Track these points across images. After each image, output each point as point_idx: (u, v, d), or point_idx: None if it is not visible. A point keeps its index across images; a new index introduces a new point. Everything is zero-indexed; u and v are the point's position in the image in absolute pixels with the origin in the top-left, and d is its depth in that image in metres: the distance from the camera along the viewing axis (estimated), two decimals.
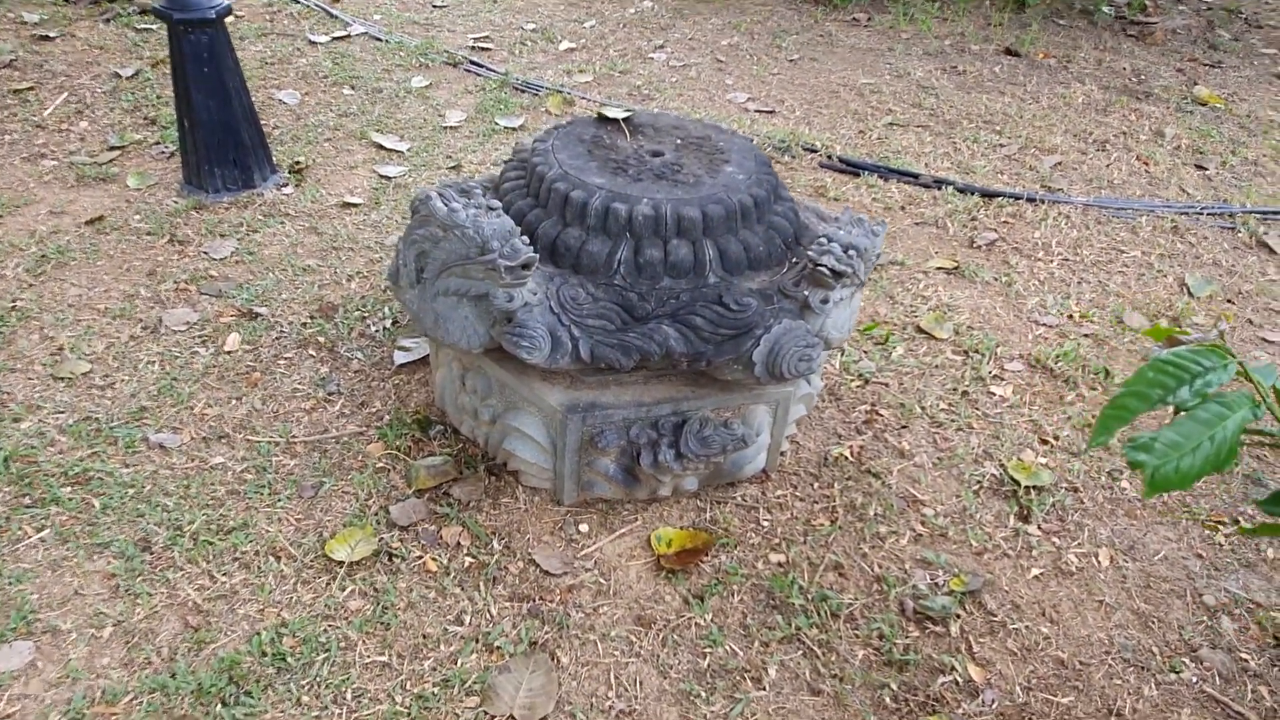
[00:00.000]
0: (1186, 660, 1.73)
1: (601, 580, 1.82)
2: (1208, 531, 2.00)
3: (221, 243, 2.74)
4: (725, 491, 2.02)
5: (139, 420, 2.10)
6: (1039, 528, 1.97)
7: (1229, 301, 2.77)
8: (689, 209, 1.84)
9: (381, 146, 3.37)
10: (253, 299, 2.51)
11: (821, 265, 1.77)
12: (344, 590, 1.76)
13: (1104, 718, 1.62)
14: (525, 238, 1.73)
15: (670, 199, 1.85)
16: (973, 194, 3.22)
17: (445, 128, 3.54)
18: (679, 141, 2.11)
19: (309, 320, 2.45)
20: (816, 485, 2.05)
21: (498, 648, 1.67)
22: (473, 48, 4.30)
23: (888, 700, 1.63)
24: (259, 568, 1.79)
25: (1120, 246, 3.00)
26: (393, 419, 2.15)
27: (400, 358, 2.33)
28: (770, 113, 3.82)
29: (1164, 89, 4.21)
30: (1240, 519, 2.03)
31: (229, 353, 2.32)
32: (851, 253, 1.79)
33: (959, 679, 1.66)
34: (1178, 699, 1.66)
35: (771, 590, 1.81)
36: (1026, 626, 1.77)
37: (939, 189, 3.26)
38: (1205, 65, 4.53)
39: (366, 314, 2.49)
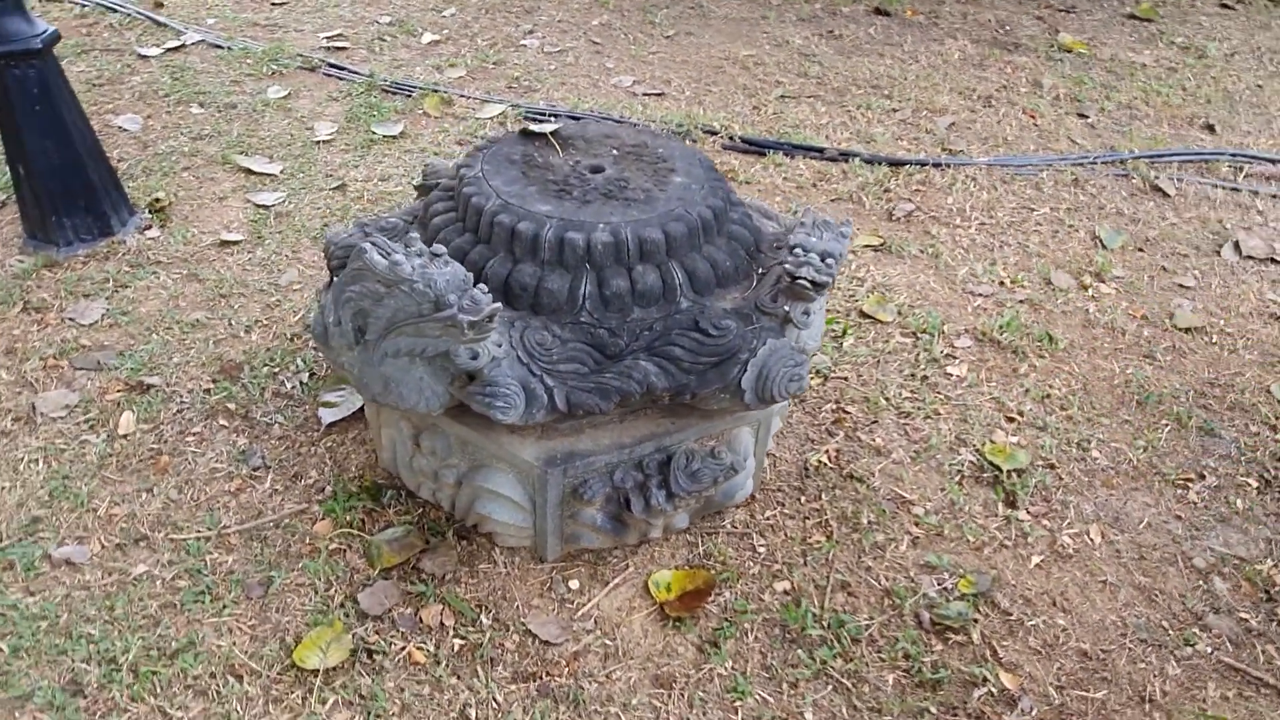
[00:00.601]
0: (1196, 630, 1.74)
1: (607, 641, 1.68)
2: (1180, 490, 2.03)
3: (87, 305, 2.40)
4: (714, 521, 1.91)
5: (34, 534, 1.80)
6: (1027, 512, 1.96)
7: (1139, 250, 2.85)
8: (650, 230, 1.69)
9: (250, 170, 3.04)
10: (139, 368, 2.21)
11: (801, 278, 1.67)
12: (325, 703, 1.55)
13: (1138, 705, 1.61)
14: (483, 285, 1.55)
15: (627, 221, 1.70)
16: (880, 164, 3.19)
17: (317, 142, 3.23)
18: (615, 152, 1.95)
19: (212, 385, 2.17)
20: (803, 499, 1.97)
21: None
22: (327, 48, 3.96)
23: None
24: (219, 692, 1.56)
25: (1030, 205, 3.03)
26: (336, 489, 1.92)
27: (327, 416, 2.10)
28: (659, 95, 3.68)
29: (1030, 39, 4.31)
30: (1205, 473, 2.07)
31: (125, 436, 2.03)
32: (829, 261, 1.69)
33: (993, 689, 1.62)
34: (1199, 674, 1.67)
35: (785, 623, 1.72)
36: (1043, 621, 1.74)
37: (846, 161, 3.22)
38: (1061, 11, 4.67)
39: (277, 368, 2.23)
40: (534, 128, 1.96)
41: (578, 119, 3.46)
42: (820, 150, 3.29)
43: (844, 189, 3.06)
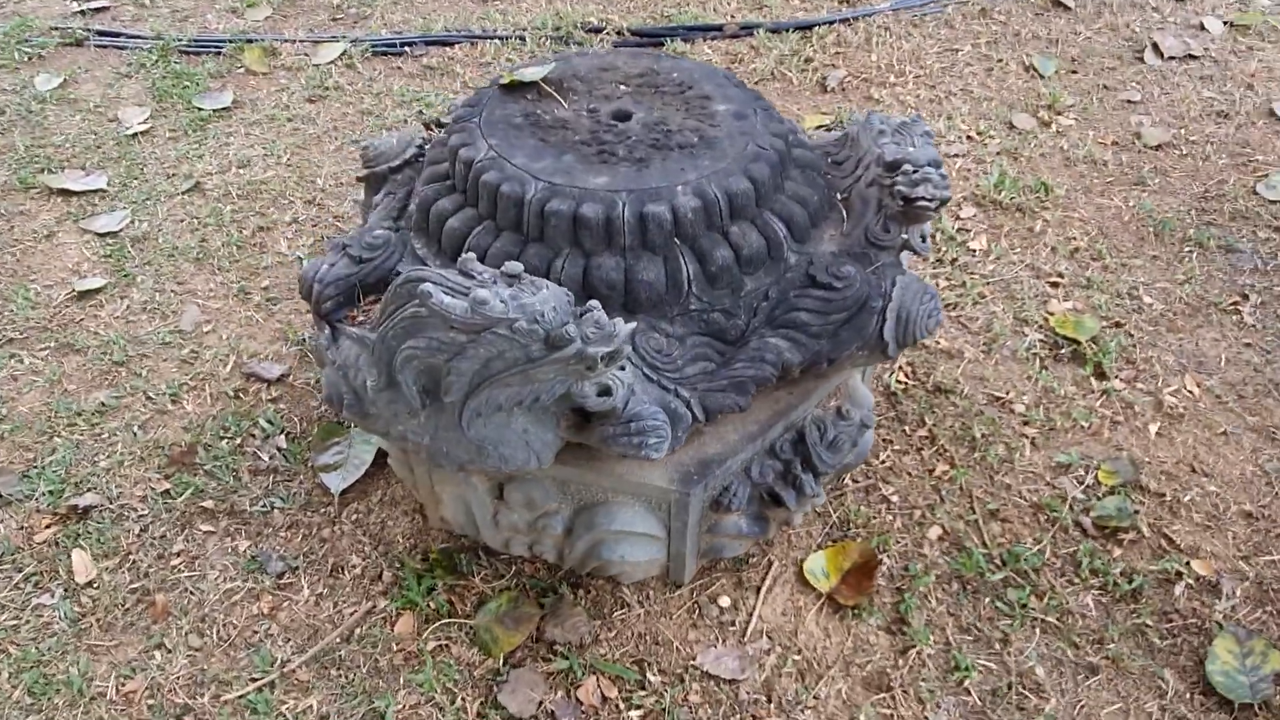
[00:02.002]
0: None
1: (794, 657, 1.47)
2: (1234, 316, 2.01)
3: None
4: (834, 483, 1.71)
5: None
6: (1120, 379, 1.88)
7: (1073, 73, 2.78)
8: (736, 181, 1.39)
9: (68, 191, 2.40)
10: (60, 489, 1.70)
11: (921, 198, 1.43)
12: None
13: None
14: (595, 301, 1.21)
15: (701, 176, 1.39)
16: (788, 31, 2.94)
17: (132, 135, 2.60)
18: (625, 88, 1.60)
19: (167, 484, 1.71)
20: (906, 429, 1.80)
21: None
22: (82, 12, 3.19)
23: (1158, 641, 1.48)
24: None
25: (951, 46, 2.89)
26: (396, 573, 1.57)
27: (335, 483, 1.70)
28: None
29: None
30: (1247, 292, 2.06)
31: (89, 584, 1.56)
32: (941, 170, 1.46)
33: (1190, 581, 1.55)
34: None
35: (960, 574, 1.57)
36: (1196, 493, 1.68)
37: (751, 35, 2.94)
38: None
39: (239, 440, 1.79)
40: (525, 75, 1.57)
41: (441, 42, 2.98)
42: (719, 28, 2.98)
43: (763, 67, 2.80)
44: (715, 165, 1.41)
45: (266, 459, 1.76)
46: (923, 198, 1.43)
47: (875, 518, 1.65)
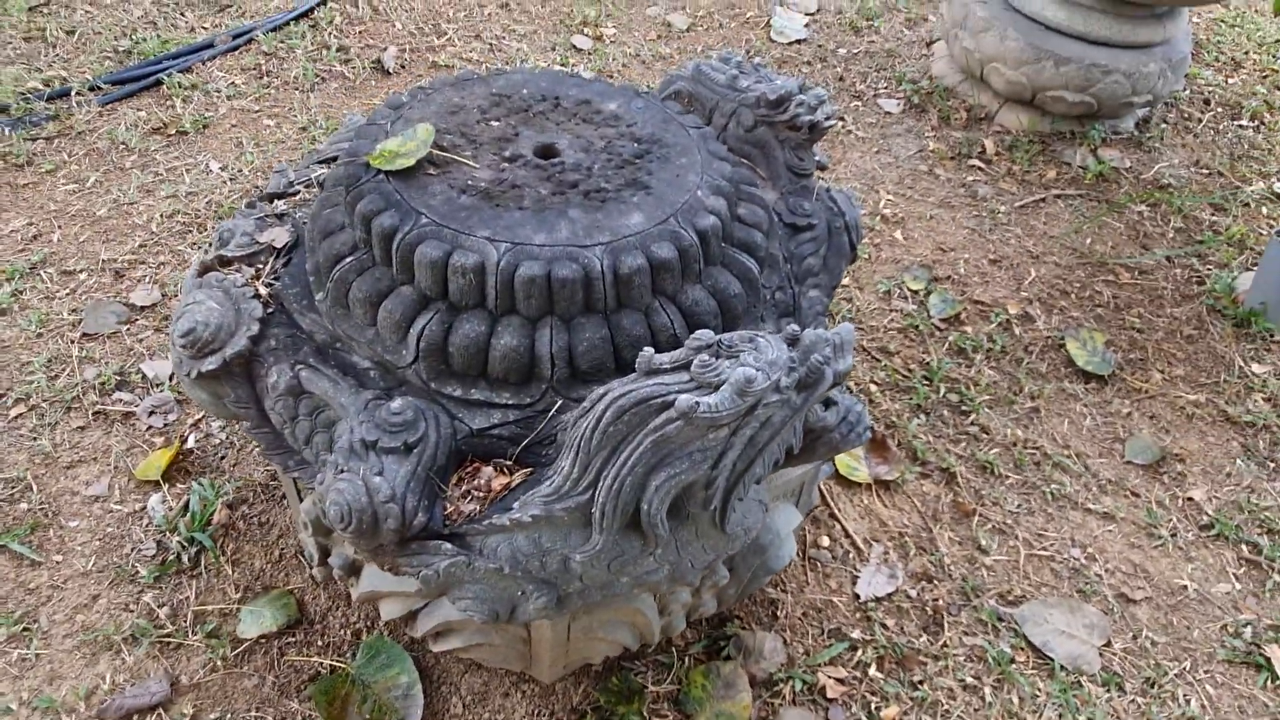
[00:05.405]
0: None
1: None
2: None
3: None
4: None
5: None
6: None
7: None
8: (722, 185, 1.31)
9: None
10: None
11: (825, 119, 1.49)
12: None
13: None
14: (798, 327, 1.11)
15: (700, 185, 1.28)
16: (291, 23, 2.56)
17: None
18: (513, 123, 1.33)
19: None
20: None
21: None
22: None
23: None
24: None
25: None
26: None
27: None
28: None
29: None
30: None
31: None
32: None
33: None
34: None
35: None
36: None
37: (251, 40, 2.50)
38: None
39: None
40: (398, 162, 1.20)
41: None
42: (210, 44, 2.47)
43: (302, 71, 2.44)
44: (684, 179, 1.29)
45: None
46: (827, 118, 1.53)
47: None
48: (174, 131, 2.21)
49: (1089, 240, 2.19)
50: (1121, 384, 1.87)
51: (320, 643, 1.37)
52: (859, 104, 2.59)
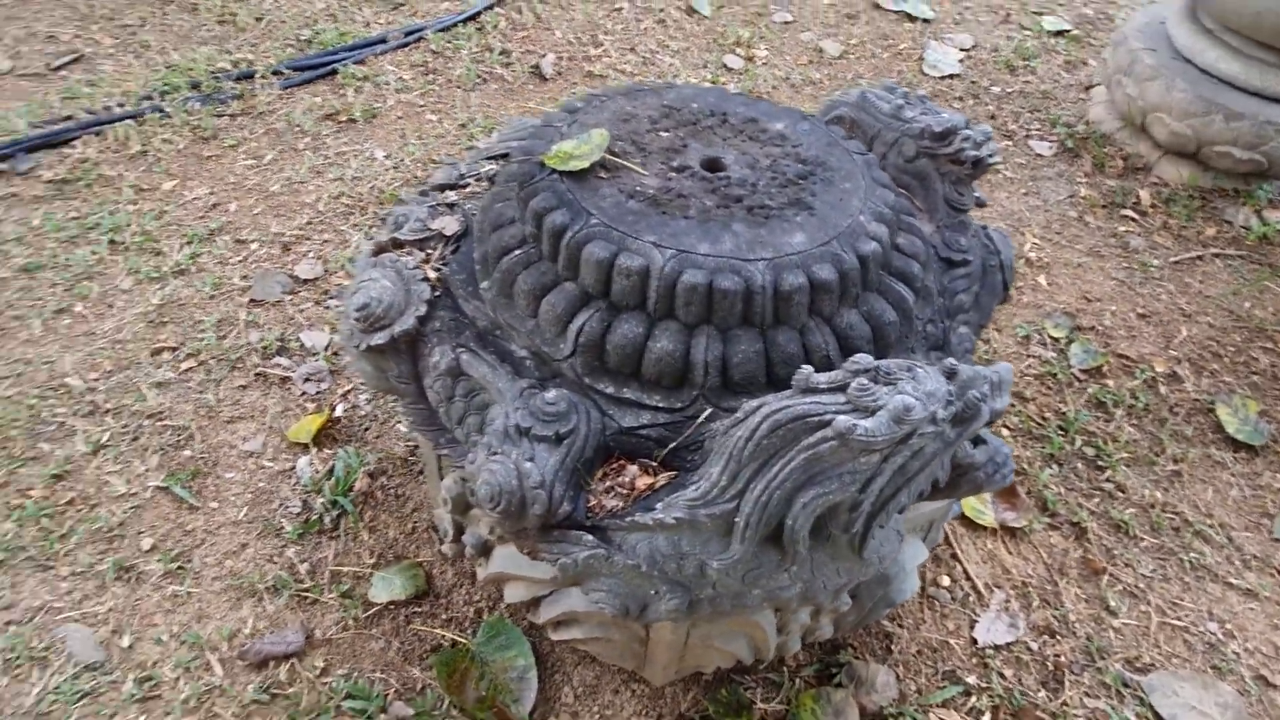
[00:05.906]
0: None
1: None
2: None
3: None
4: None
5: None
6: None
7: (724, 6, 2.99)
8: (885, 213, 1.32)
9: None
10: None
11: (989, 155, 1.49)
12: None
13: None
14: (950, 359, 1.11)
15: (861, 211, 1.29)
16: (458, 25, 2.68)
17: None
18: (683, 134, 1.38)
19: None
20: None
21: None
22: None
23: None
24: None
25: (612, 4, 2.90)
26: None
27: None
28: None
29: None
30: None
31: None
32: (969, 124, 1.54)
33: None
34: None
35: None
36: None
37: (422, 39, 2.63)
38: None
39: None
40: (574, 164, 1.26)
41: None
42: (383, 40, 2.61)
43: (465, 72, 2.54)
44: (847, 203, 1.31)
45: None
46: (990, 154, 1.52)
47: None
48: (345, 118, 2.34)
49: (1248, 304, 2.10)
50: (1275, 456, 1.78)
51: (444, 616, 1.43)
52: (1009, 144, 2.55)
